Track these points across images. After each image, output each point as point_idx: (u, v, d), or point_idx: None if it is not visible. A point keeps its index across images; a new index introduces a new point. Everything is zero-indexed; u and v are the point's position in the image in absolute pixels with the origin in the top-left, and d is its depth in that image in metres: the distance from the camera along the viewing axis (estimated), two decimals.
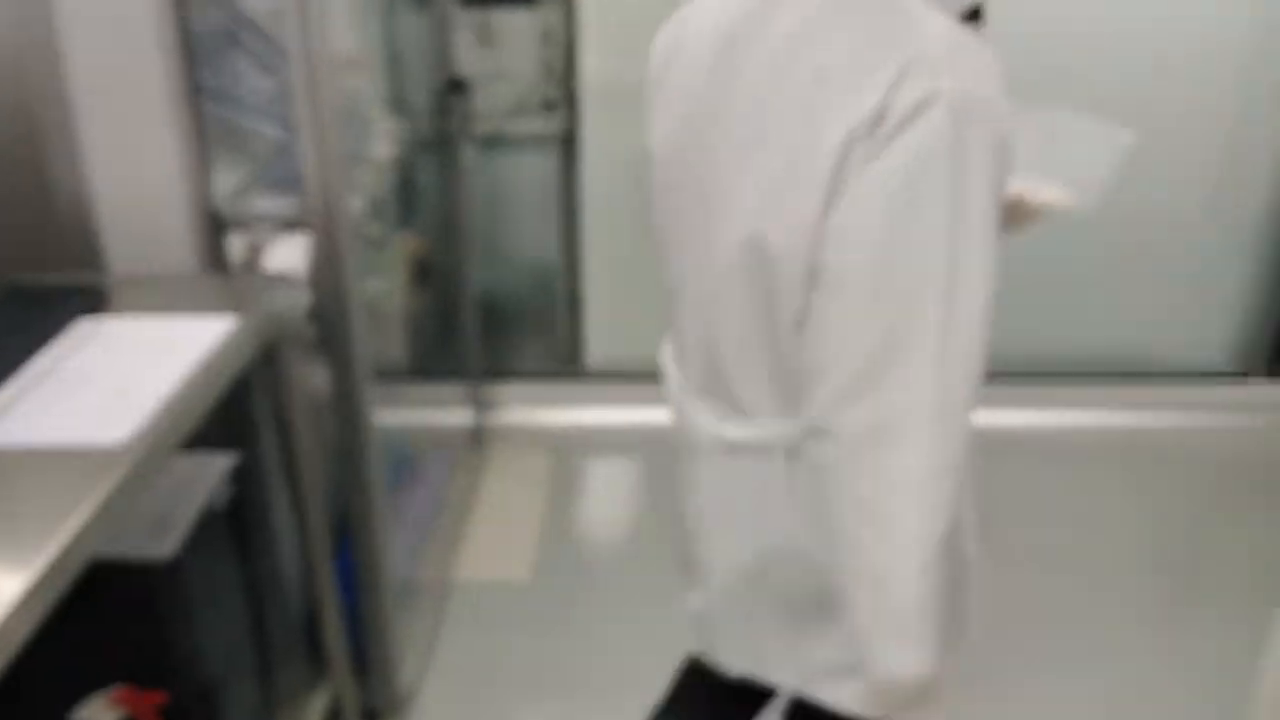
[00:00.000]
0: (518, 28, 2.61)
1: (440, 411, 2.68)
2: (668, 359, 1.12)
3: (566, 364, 2.94)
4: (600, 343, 2.90)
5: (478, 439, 2.75)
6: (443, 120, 2.47)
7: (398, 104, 2.30)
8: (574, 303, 2.88)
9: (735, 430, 0.98)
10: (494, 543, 2.42)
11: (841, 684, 1.00)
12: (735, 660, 1.10)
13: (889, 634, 0.85)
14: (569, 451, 2.75)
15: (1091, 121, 0.98)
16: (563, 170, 2.75)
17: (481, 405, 2.78)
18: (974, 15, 0.89)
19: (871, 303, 0.80)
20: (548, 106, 2.69)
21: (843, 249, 0.80)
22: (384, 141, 2.18)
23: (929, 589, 0.82)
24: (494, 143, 2.70)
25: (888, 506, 0.82)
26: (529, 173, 2.79)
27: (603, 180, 2.71)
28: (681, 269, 1.02)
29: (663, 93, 1.01)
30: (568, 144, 2.71)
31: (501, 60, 2.63)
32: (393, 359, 2.31)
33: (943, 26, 0.81)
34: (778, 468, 0.95)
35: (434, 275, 2.52)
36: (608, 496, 2.68)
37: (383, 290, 2.18)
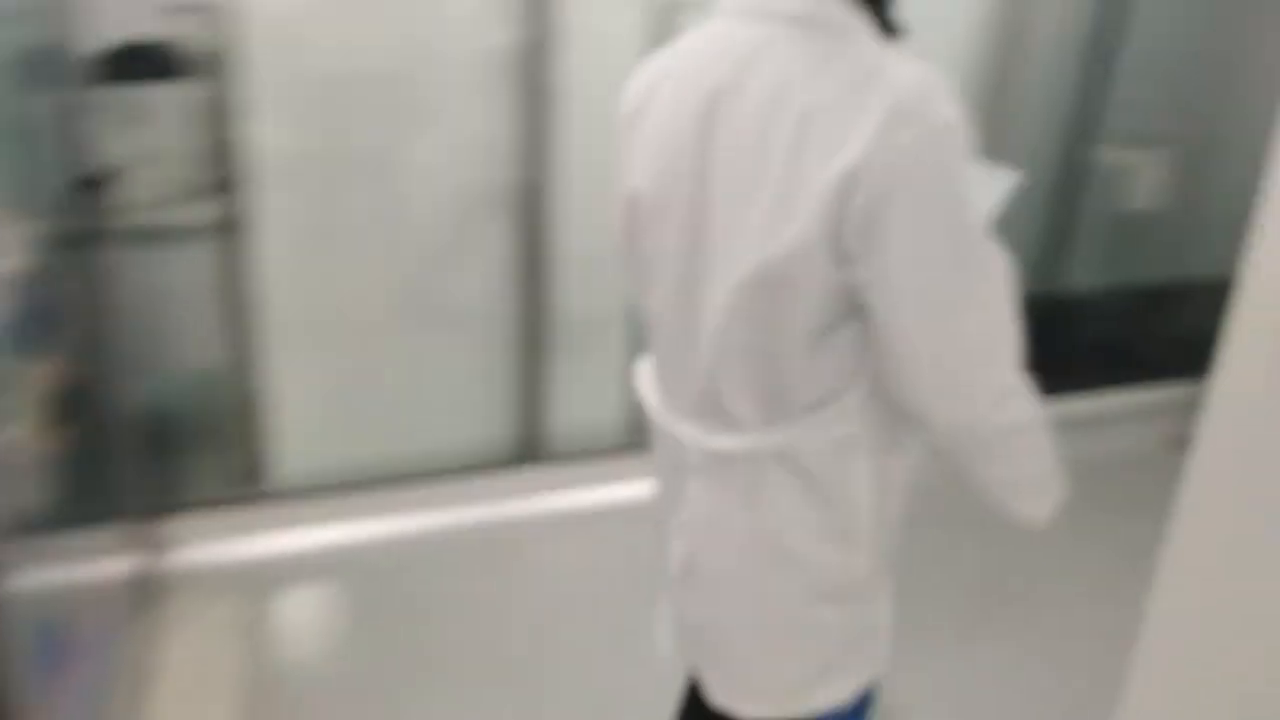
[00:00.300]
0: (169, 105, 2.26)
1: (99, 563, 2.23)
2: (646, 386, 1.22)
3: (248, 485, 2.56)
4: (288, 456, 2.56)
5: (148, 589, 2.31)
6: (80, 218, 2.06)
7: (23, 203, 1.88)
8: (252, 414, 2.52)
9: (726, 442, 1.09)
10: (182, 716, 2.03)
11: (817, 692, 1.19)
12: (701, 673, 1.24)
13: (1040, 495, 1.12)
14: (262, 588, 2.39)
15: (983, 164, 1.11)
16: (230, 262, 2.41)
17: (150, 547, 2.34)
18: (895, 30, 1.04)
19: (931, 315, 0.96)
20: (209, 191, 2.35)
21: (887, 283, 0.95)
22: (5, 252, 1.76)
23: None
24: (148, 237, 2.31)
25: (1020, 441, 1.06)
26: (190, 268, 2.41)
27: (283, 270, 2.40)
28: (665, 302, 1.11)
29: (641, 136, 1.10)
30: (235, 232, 2.38)
31: (153, 142, 2.25)
32: (29, 513, 1.87)
33: (910, 70, 0.93)
34: (762, 473, 1.09)
35: (81, 403, 2.09)
36: (314, 636, 2.35)
37: (6, 440, 1.76)
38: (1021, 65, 2.86)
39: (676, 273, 1.08)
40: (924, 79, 0.93)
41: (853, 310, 1.00)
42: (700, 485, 1.15)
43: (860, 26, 0.98)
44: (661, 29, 2.45)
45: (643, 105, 1.11)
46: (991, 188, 1.24)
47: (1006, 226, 1.13)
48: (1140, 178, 3.03)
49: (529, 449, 2.81)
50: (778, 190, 0.96)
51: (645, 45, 2.40)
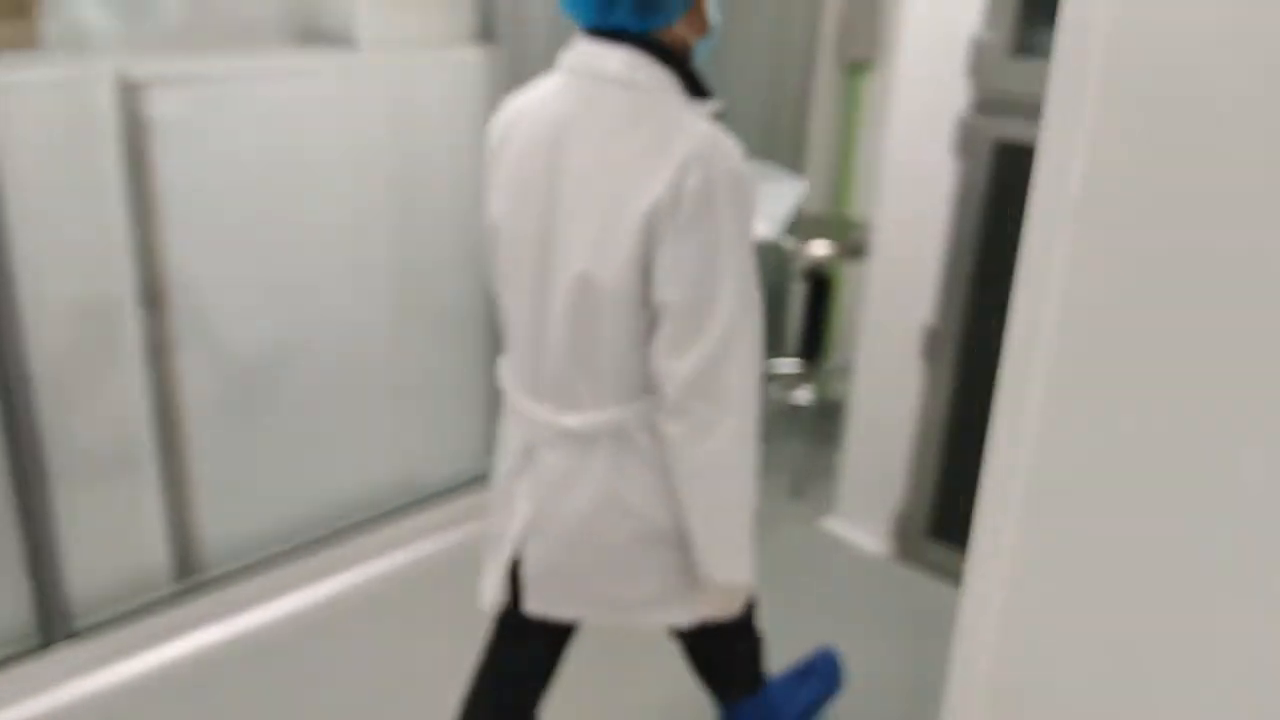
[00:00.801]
0: None
1: None
2: (507, 376, 1.48)
3: None
4: None
5: None
6: None
7: None
8: None
9: (571, 420, 1.37)
10: None
11: (655, 612, 1.49)
12: (557, 606, 1.48)
13: (732, 554, 1.39)
14: None
15: (774, 172, 1.41)
16: None
17: None
18: (718, 115, 1.31)
19: (699, 321, 1.26)
20: None
21: (671, 290, 1.25)
22: None
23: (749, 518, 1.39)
24: None
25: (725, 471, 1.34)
26: None
27: None
28: (521, 304, 1.38)
29: (503, 168, 1.38)
30: None
31: None
32: None
33: (704, 127, 1.25)
34: (604, 445, 1.37)
35: None
36: None
37: None
38: None
39: (530, 280, 1.35)
40: (712, 133, 1.24)
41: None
42: (552, 456, 1.41)
43: (670, 87, 1.28)
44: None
45: (505, 137, 1.39)
46: (782, 197, 1.62)
47: None
48: None
49: (46, 627, 2.10)
50: (604, 218, 1.25)
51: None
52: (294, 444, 2.44)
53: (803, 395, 3.23)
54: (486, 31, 2.55)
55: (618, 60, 1.27)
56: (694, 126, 1.24)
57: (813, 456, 3.17)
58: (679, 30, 1.31)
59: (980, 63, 2.29)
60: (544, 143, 1.31)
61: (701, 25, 1.34)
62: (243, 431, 2.34)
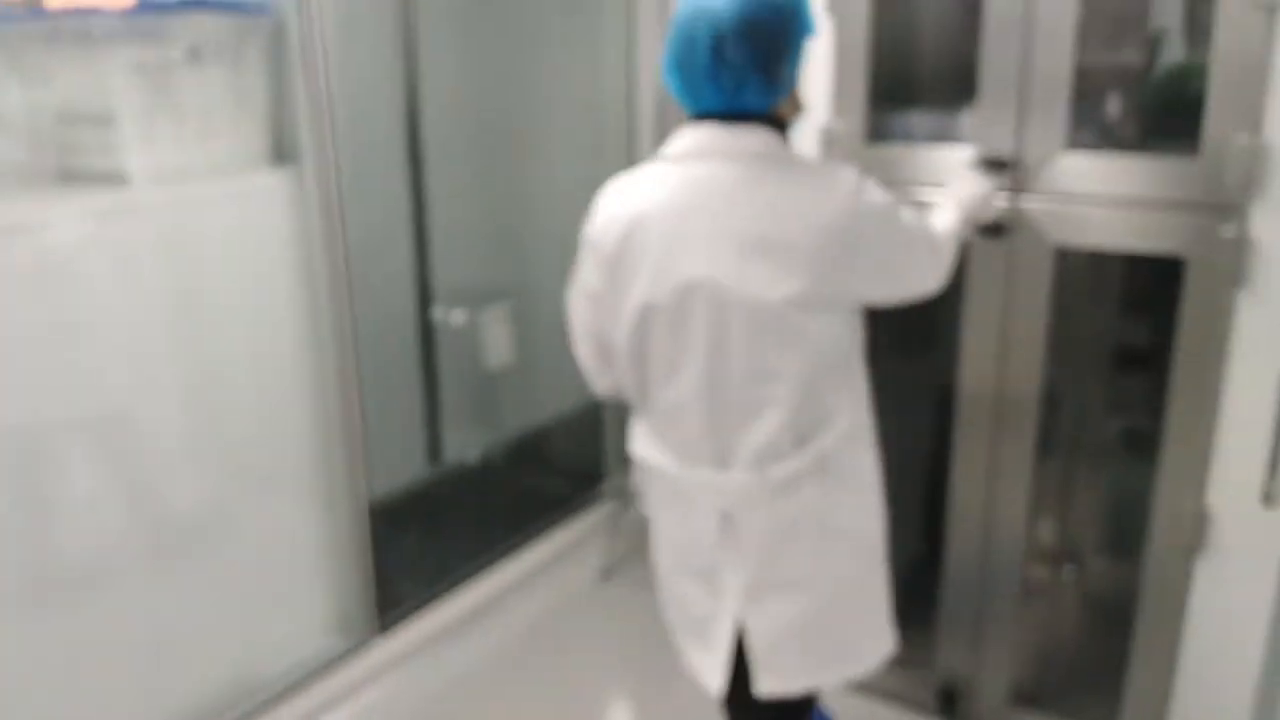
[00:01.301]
0: None
1: None
2: (670, 462, 1.57)
3: None
4: None
5: None
6: None
7: None
8: None
9: (776, 473, 1.49)
10: None
11: (871, 646, 1.65)
12: (790, 678, 1.57)
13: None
14: None
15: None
16: None
17: None
18: None
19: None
20: None
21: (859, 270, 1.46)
22: None
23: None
24: None
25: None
26: None
27: None
28: (696, 386, 1.49)
29: (643, 258, 1.48)
30: None
31: None
32: None
33: (846, 169, 1.48)
34: (808, 483, 1.50)
35: None
36: None
37: None
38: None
39: (705, 345, 1.46)
40: (852, 171, 1.48)
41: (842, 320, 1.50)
42: (758, 515, 1.51)
43: (790, 152, 1.51)
44: None
45: (628, 235, 1.49)
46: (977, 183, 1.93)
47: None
48: (486, 336, 2.98)
49: None
50: (775, 255, 1.41)
51: None
52: (83, 647, 1.95)
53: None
54: (283, 153, 2.22)
55: (757, 138, 1.45)
56: (838, 168, 1.48)
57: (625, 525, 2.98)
58: (784, 109, 1.51)
59: (832, 151, 2.17)
60: (688, 221, 1.44)
61: (797, 105, 1.54)
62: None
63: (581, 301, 1.63)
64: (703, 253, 1.42)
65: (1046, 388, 2.05)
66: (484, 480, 3.08)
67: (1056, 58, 1.89)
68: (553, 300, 3.22)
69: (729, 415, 1.48)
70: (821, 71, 2.16)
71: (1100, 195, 1.90)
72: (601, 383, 1.72)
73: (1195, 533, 1.94)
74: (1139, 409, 2.01)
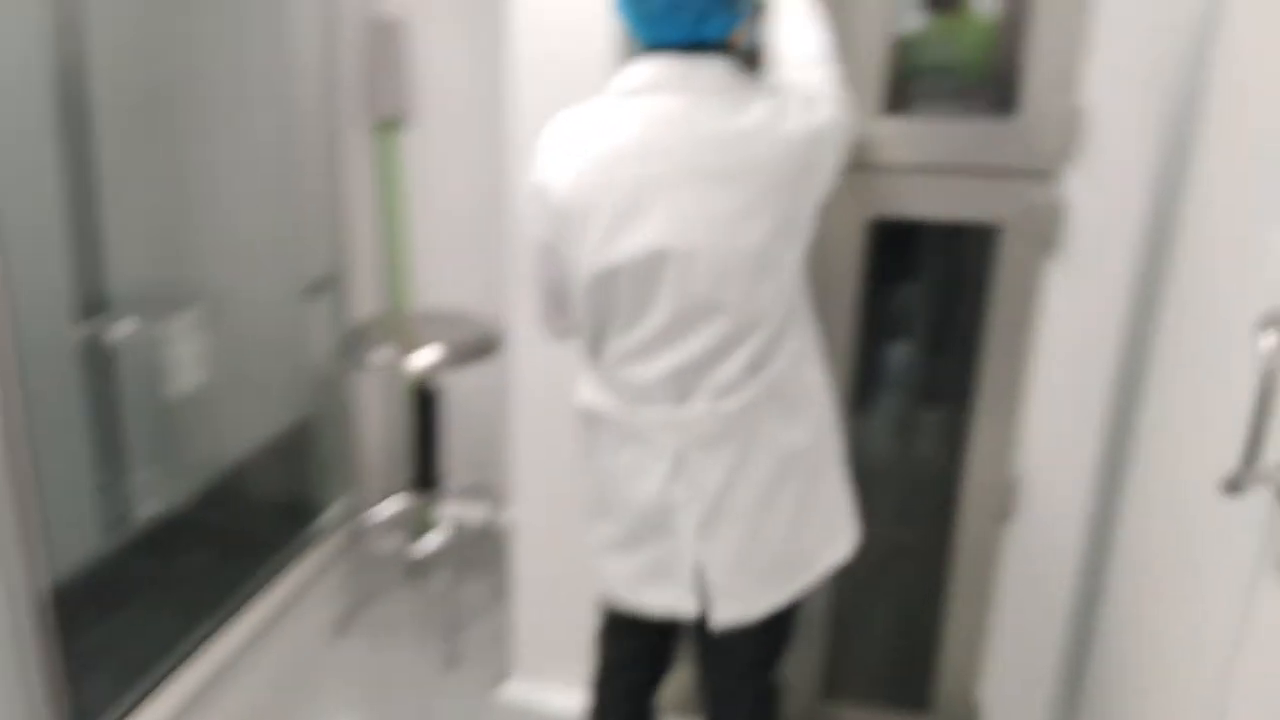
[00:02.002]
0: None
1: None
2: (628, 406, 1.51)
3: None
4: None
5: None
6: None
7: None
8: None
9: (732, 402, 1.45)
10: None
11: (828, 550, 1.59)
12: (748, 602, 1.54)
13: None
14: None
15: None
16: None
17: None
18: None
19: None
20: None
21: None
22: None
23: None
24: None
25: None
26: None
27: None
28: (663, 323, 1.43)
29: (589, 206, 1.41)
30: None
31: None
32: None
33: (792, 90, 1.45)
34: (763, 409, 1.46)
35: None
36: None
37: None
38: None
39: (666, 290, 1.41)
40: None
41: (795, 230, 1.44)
42: (712, 449, 1.47)
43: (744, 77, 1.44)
44: None
45: (596, 183, 1.40)
46: None
47: None
48: (172, 352, 2.37)
49: None
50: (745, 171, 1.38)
51: None
52: None
53: (432, 540, 2.60)
54: None
55: (719, 69, 1.40)
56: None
57: (465, 609, 2.57)
58: (737, 35, 1.45)
59: None
60: (649, 164, 1.37)
61: (747, 31, 1.49)
62: None
63: (531, 253, 1.54)
64: (669, 201, 1.37)
65: (859, 364, 1.95)
66: (181, 535, 2.47)
67: (870, 24, 1.77)
68: (252, 302, 2.76)
69: (694, 356, 1.43)
70: (605, 24, 1.88)
71: (914, 164, 1.81)
72: (554, 329, 1.64)
73: (1004, 501, 1.94)
74: (954, 381, 1.98)
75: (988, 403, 1.90)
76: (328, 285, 2.74)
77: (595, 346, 1.53)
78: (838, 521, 1.60)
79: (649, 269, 1.39)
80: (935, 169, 1.80)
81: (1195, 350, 1.51)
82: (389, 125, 2.78)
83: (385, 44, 2.69)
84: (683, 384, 1.45)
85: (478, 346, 2.38)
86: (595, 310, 1.47)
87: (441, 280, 2.87)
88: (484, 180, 2.71)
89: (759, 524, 1.50)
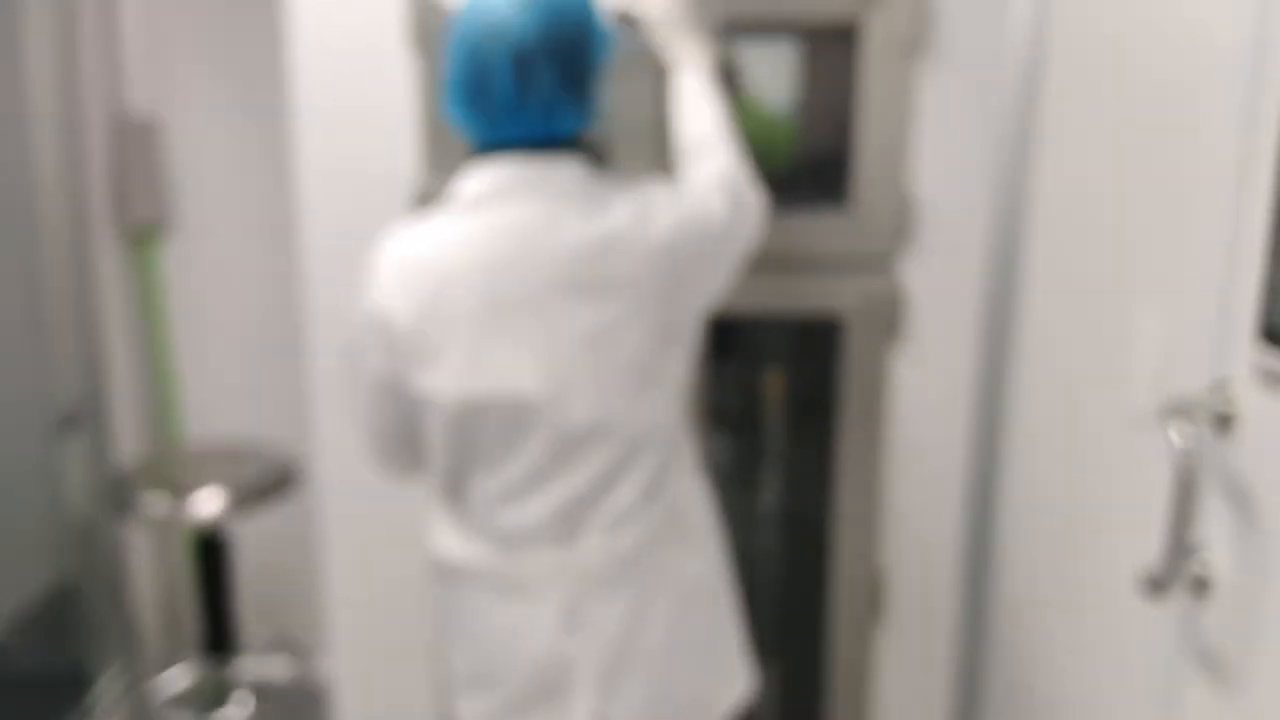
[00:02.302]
0: None
1: None
2: (495, 548, 1.31)
3: None
4: None
5: None
6: None
7: None
8: None
9: (625, 538, 1.29)
10: None
11: (728, 688, 1.43)
12: None
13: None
14: None
15: None
16: None
17: None
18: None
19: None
20: None
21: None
22: None
23: None
24: None
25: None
26: None
27: None
28: (529, 464, 1.26)
29: (438, 334, 1.24)
30: None
31: None
32: None
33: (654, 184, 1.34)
34: (655, 533, 1.31)
35: None
36: None
37: None
38: None
39: (552, 436, 1.25)
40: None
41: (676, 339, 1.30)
42: (608, 592, 1.30)
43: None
44: None
45: (434, 300, 1.24)
46: None
47: None
48: None
49: None
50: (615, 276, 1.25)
51: None
52: None
53: (233, 712, 2.24)
54: None
55: (573, 169, 1.27)
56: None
57: None
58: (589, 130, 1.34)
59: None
60: (505, 280, 1.23)
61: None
62: None
63: (368, 391, 1.33)
64: (533, 322, 1.23)
65: (710, 461, 1.83)
66: None
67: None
68: None
69: (580, 489, 1.27)
70: (404, 120, 1.70)
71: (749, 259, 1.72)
72: (393, 468, 1.43)
73: (873, 600, 1.85)
74: (811, 477, 1.88)
75: (847, 498, 1.82)
76: (83, 420, 2.35)
77: (455, 488, 1.34)
78: (734, 658, 1.45)
79: (516, 400, 1.24)
80: (771, 264, 1.72)
81: (1061, 442, 1.47)
82: (146, 234, 2.45)
83: (137, 144, 2.38)
84: (569, 521, 1.29)
85: (271, 483, 2.09)
86: (455, 449, 1.29)
87: (219, 407, 2.53)
88: (267, 291, 2.43)
89: (666, 670, 1.34)
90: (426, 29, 1.64)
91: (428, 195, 1.70)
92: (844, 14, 1.62)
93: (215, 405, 2.53)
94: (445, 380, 1.24)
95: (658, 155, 1.62)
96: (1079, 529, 1.40)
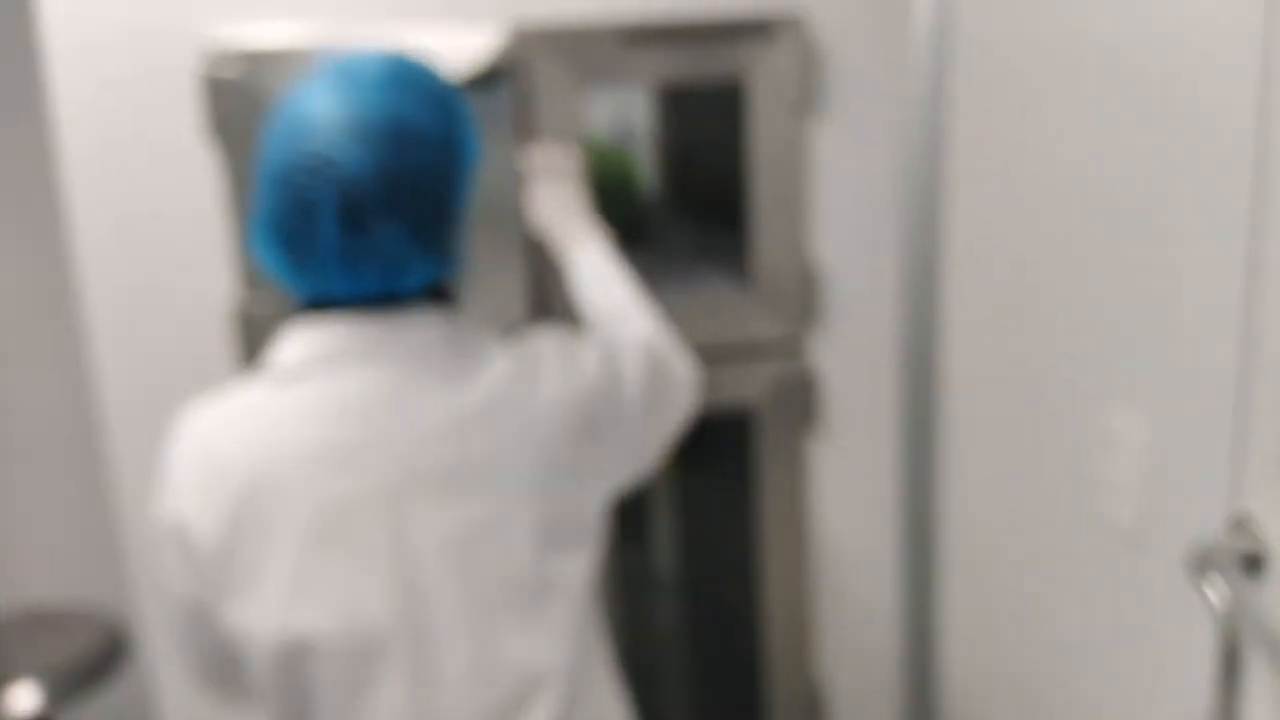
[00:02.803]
0: None
1: None
2: None
3: None
4: None
5: None
6: None
7: None
8: None
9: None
10: None
11: None
12: None
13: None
14: None
15: None
16: None
17: None
18: None
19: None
20: None
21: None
22: None
23: None
24: None
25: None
26: None
27: None
28: (384, 708, 0.92)
29: (256, 546, 0.92)
30: None
31: None
32: None
33: (542, 337, 1.06)
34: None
35: None
36: None
37: None
38: None
39: (415, 675, 0.93)
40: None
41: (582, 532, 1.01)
42: None
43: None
44: None
45: (243, 520, 0.92)
46: None
47: None
48: None
49: None
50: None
51: None
52: None
53: None
54: None
55: (425, 327, 0.97)
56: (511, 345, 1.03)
57: None
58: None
59: (254, 341, 1.43)
60: (343, 474, 0.92)
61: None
62: None
63: (171, 616, 0.98)
64: (381, 528, 0.92)
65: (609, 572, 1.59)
66: None
67: None
68: None
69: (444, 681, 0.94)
70: (209, 228, 1.40)
71: None
72: (220, 706, 1.01)
73: (811, 712, 1.65)
74: (727, 584, 1.66)
75: (771, 604, 1.61)
76: None
77: None
78: None
79: (361, 635, 0.92)
80: None
81: (1013, 546, 1.29)
82: None
83: None
84: None
85: (98, 658, 1.74)
86: (284, 702, 0.95)
87: (24, 565, 2.14)
88: (70, 428, 2.07)
89: None
90: (226, 114, 1.36)
91: (249, 317, 1.41)
92: (728, 71, 1.42)
93: (20, 563, 2.14)
94: (262, 614, 0.91)
95: (515, 237, 1.38)
96: (1036, 645, 1.23)
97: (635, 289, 1.15)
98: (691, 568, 1.77)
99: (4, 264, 2.07)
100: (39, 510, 2.15)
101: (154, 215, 1.39)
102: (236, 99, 1.35)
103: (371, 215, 0.90)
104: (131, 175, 1.38)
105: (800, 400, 1.53)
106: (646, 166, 1.73)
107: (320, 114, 0.91)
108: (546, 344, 1.03)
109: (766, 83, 1.42)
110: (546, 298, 1.43)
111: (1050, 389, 1.16)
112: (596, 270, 1.17)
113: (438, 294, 1.00)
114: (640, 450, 1.06)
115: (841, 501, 1.58)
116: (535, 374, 0.99)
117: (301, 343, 0.96)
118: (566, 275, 1.23)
